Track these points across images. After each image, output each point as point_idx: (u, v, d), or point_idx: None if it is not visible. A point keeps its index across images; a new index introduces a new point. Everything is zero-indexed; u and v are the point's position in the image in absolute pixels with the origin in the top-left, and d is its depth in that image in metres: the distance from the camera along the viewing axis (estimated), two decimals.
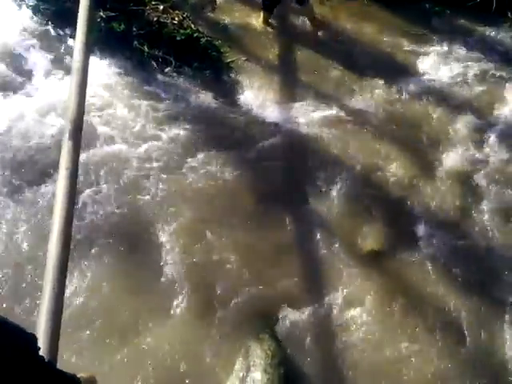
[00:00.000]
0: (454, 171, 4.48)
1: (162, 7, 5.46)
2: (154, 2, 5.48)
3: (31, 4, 5.41)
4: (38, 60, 4.96)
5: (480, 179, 4.42)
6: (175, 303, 3.56)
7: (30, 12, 5.36)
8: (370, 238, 4.01)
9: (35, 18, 5.31)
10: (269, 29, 5.66)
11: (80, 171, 3.21)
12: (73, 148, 3.17)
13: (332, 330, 3.57)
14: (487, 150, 4.66)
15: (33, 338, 1.59)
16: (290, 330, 3.54)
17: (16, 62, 4.92)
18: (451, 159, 4.56)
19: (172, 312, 3.53)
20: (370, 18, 5.86)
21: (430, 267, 3.89)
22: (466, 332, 3.60)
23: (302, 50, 5.47)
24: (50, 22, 5.28)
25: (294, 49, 5.52)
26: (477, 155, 4.61)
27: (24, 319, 3.22)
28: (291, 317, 3.59)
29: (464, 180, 4.43)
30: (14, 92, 4.67)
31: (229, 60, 5.27)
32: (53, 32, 5.23)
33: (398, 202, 4.27)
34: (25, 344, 1.52)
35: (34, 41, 5.13)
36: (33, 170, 4.16)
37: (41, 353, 1.66)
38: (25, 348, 1.51)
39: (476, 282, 3.83)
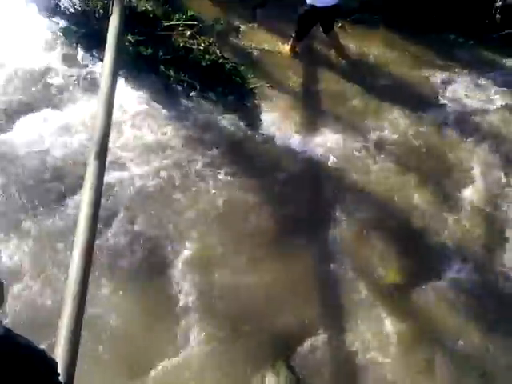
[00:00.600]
0: (477, 203, 4.42)
1: (188, 33, 5.56)
2: (181, 28, 5.60)
3: (62, 26, 5.57)
4: (67, 81, 5.08)
5: (505, 211, 4.35)
6: (190, 333, 3.52)
7: (60, 34, 5.51)
8: (392, 270, 3.95)
9: (66, 40, 5.45)
10: (294, 56, 5.71)
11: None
12: (98, 168, 3.21)
13: (349, 362, 3.50)
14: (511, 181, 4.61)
15: (54, 364, 1.59)
16: (306, 361, 3.48)
17: (45, 81, 5.04)
18: (474, 191, 4.51)
19: (186, 342, 3.48)
20: (393, 47, 5.89)
21: (452, 301, 3.80)
22: (486, 367, 3.50)
23: (326, 79, 5.51)
24: (79, 44, 5.42)
25: (318, 77, 5.56)
26: (501, 187, 4.54)
27: (44, 339, 3.22)
28: (308, 347, 3.53)
29: (488, 212, 4.36)
30: (43, 111, 4.77)
31: (252, 86, 5.32)
32: (82, 54, 5.36)
33: (420, 232, 4.22)
34: (46, 368, 1.52)
35: (64, 62, 5.27)
36: (57, 188, 4.21)
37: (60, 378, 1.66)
38: (46, 372, 1.51)
39: (500, 319, 3.73)
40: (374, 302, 3.77)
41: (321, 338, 3.57)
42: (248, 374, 3.38)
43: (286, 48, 5.73)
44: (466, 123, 5.10)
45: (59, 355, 2.33)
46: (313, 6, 5.23)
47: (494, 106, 5.25)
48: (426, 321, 3.72)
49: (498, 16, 5.98)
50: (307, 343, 3.55)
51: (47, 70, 5.12)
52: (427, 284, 3.89)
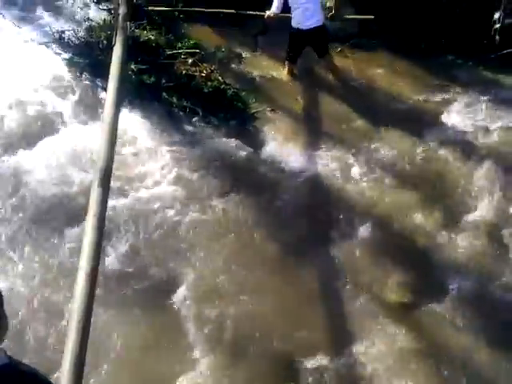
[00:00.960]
0: (480, 222, 4.40)
1: (190, 60, 5.67)
2: (183, 56, 5.71)
3: (66, 57, 5.69)
4: (71, 109, 5.18)
5: (506, 232, 4.34)
6: (196, 356, 3.50)
7: (64, 64, 5.62)
8: (397, 289, 3.93)
9: (70, 70, 5.57)
10: (293, 80, 5.82)
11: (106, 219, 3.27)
12: (101, 196, 3.25)
13: (355, 382, 3.47)
14: None
15: None
16: (313, 382, 3.45)
17: (49, 110, 5.13)
18: (477, 210, 4.50)
19: (193, 365, 3.46)
20: (391, 69, 5.97)
21: (458, 321, 3.76)
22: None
23: (326, 101, 5.59)
24: (83, 74, 5.53)
25: (318, 99, 5.64)
26: (502, 206, 4.54)
27: (47, 363, 3.22)
28: (314, 368, 3.49)
29: (490, 231, 4.34)
30: (46, 139, 4.85)
31: (254, 111, 5.40)
32: (86, 83, 5.46)
33: (423, 252, 4.20)
34: None
35: (68, 91, 5.38)
36: (61, 216, 4.25)
37: None
38: None
39: (504, 341, 3.67)
40: (379, 321, 3.73)
41: (328, 359, 3.53)
42: None
43: (284, 72, 5.86)
44: (465, 143, 5.12)
45: (64, 381, 2.34)
46: (298, 29, 5.47)
47: (494, 126, 5.27)
48: (431, 337, 3.69)
49: (497, 37, 6.05)
50: (313, 365, 3.50)
51: (51, 101, 5.21)
52: (431, 301, 3.86)
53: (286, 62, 5.84)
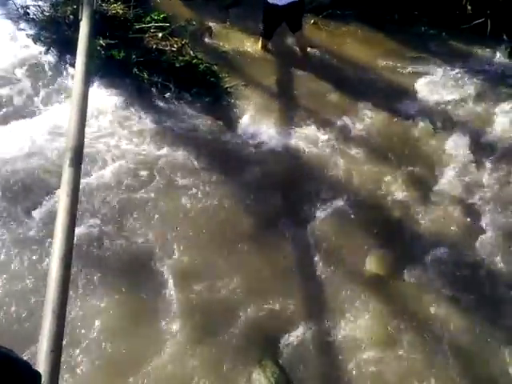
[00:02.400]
0: (453, 193, 4.47)
1: (160, 34, 5.53)
2: (152, 30, 5.56)
3: (32, 33, 5.50)
4: (39, 87, 5.03)
5: (479, 200, 4.42)
6: (174, 331, 3.52)
7: (30, 40, 5.44)
8: (373, 262, 3.99)
9: (36, 46, 5.38)
10: (266, 54, 5.73)
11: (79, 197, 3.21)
12: (73, 175, 3.18)
13: (336, 355, 3.52)
14: (485, 170, 4.66)
15: (38, 376, 1.57)
16: (292, 356, 3.49)
17: (16, 88, 4.97)
18: (450, 181, 4.56)
19: (171, 340, 3.48)
20: (366, 42, 5.94)
21: (432, 291, 3.84)
22: (468, 357, 3.55)
23: (300, 76, 5.53)
24: (50, 50, 5.36)
25: (291, 74, 5.58)
26: (475, 176, 4.60)
27: (24, 345, 3.19)
28: (294, 342, 3.54)
29: (463, 202, 4.42)
30: (15, 118, 4.73)
31: (227, 85, 5.32)
32: (53, 60, 5.30)
33: (399, 224, 4.26)
34: (32, 379, 1.50)
35: (35, 67, 5.21)
36: (33, 193, 4.17)
37: None
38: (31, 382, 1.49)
39: (479, 306, 3.78)
40: (359, 293, 3.79)
41: (307, 333, 3.58)
42: (235, 372, 3.38)
43: (257, 47, 5.75)
44: (438, 114, 5.16)
45: (41, 364, 2.31)
46: (274, 5, 5.23)
47: (466, 97, 5.32)
48: (408, 309, 3.76)
49: (468, 7, 6.06)
50: (293, 339, 3.55)
51: (18, 77, 5.05)
52: (407, 272, 3.93)
53: (260, 38, 5.71)
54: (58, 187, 3.14)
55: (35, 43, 5.42)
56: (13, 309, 3.54)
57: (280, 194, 4.41)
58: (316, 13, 6.12)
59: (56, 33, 5.43)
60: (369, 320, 3.66)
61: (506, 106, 5.25)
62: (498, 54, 5.85)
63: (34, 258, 3.78)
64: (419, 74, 5.59)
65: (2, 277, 3.69)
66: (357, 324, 3.64)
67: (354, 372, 3.44)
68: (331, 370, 3.48)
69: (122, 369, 3.34)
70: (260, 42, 5.74)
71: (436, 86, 5.45)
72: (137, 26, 5.55)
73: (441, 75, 5.58)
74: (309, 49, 5.77)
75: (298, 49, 5.77)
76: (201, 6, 6.18)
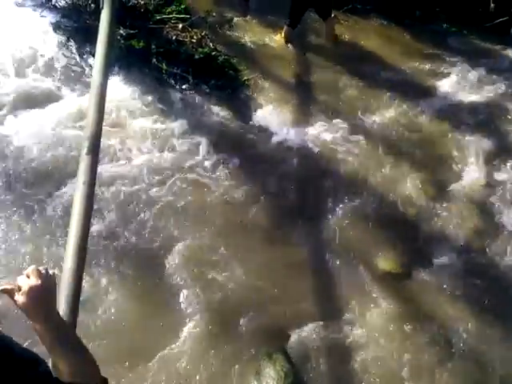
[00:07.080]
0: (471, 193, 4.43)
1: (181, 26, 5.54)
2: (173, 21, 5.57)
3: (53, 21, 5.52)
4: (58, 76, 5.05)
5: (497, 201, 4.37)
6: (187, 324, 3.51)
7: (52, 28, 5.46)
8: (386, 260, 3.97)
9: (56, 35, 5.41)
10: (288, 46, 5.69)
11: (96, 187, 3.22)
12: (90, 163, 3.18)
13: (346, 351, 3.51)
14: (504, 172, 4.61)
15: (35, 355, 1.52)
16: (303, 351, 3.48)
17: (37, 76, 4.99)
18: (469, 181, 4.52)
19: (183, 333, 3.47)
20: (386, 37, 5.90)
21: (446, 290, 3.82)
22: (480, 356, 3.52)
23: (320, 69, 5.50)
24: (70, 39, 5.37)
25: (312, 67, 5.55)
26: (494, 177, 4.56)
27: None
28: (304, 337, 3.53)
29: (481, 202, 4.38)
30: (35, 106, 4.73)
31: (245, 78, 5.31)
32: (73, 48, 5.32)
33: (414, 222, 4.23)
34: (28, 358, 1.47)
35: (55, 56, 5.22)
36: (51, 181, 4.18)
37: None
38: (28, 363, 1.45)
39: (494, 307, 3.75)
40: (371, 291, 3.77)
41: (318, 328, 3.56)
42: (244, 364, 3.38)
43: (279, 37, 5.71)
44: (459, 113, 5.11)
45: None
46: None
47: (487, 95, 5.25)
48: (421, 307, 3.74)
49: (492, 5, 5.98)
50: (304, 332, 3.54)
51: (38, 66, 5.08)
52: (421, 271, 3.91)
53: (285, 27, 5.64)
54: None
55: (56, 31, 5.44)
56: None
57: (295, 189, 4.40)
58: (336, 7, 6.08)
59: (77, 21, 5.45)
60: (380, 318, 3.64)
61: None
62: None
63: (51, 245, 3.81)
64: (439, 72, 5.54)
65: (18, 260, 3.73)
66: (368, 322, 3.63)
67: (363, 369, 3.42)
68: (340, 366, 3.46)
69: (131, 356, 3.34)
70: (283, 32, 5.68)
71: (456, 84, 5.39)
72: (157, 17, 5.55)
73: (461, 74, 5.52)
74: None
75: (324, 38, 5.71)
76: None
